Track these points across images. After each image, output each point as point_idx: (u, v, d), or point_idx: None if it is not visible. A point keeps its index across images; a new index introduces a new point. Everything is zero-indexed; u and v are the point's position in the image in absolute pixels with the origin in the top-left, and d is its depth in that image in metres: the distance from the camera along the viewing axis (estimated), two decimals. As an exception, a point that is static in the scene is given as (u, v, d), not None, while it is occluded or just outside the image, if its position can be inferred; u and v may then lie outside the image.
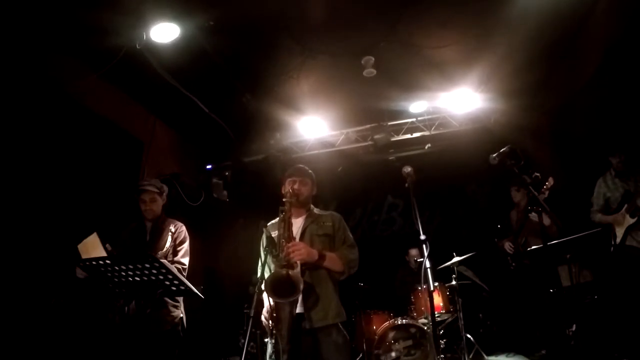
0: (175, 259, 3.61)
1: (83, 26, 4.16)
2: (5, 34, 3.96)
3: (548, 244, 3.99)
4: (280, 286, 2.52)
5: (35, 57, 4.25)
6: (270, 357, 2.63)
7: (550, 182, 4.46)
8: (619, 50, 4.64)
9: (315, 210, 3.11)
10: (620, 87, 4.75)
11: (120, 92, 5.46)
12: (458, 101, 6.48)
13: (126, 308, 3.06)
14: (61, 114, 4.51)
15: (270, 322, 2.66)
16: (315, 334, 2.69)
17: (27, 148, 4.13)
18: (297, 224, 2.97)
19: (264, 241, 2.86)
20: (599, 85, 5.10)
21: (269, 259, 2.73)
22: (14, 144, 4.01)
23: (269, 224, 3.03)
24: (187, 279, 2.86)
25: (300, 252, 2.66)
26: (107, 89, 5.20)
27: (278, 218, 2.91)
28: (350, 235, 3.05)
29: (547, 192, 4.42)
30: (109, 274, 2.71)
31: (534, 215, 4.94)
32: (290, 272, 2.56)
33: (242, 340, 5.40)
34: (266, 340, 2.72)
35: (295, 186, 3.01)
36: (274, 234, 2.86)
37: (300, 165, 3.20)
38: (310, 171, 3.17)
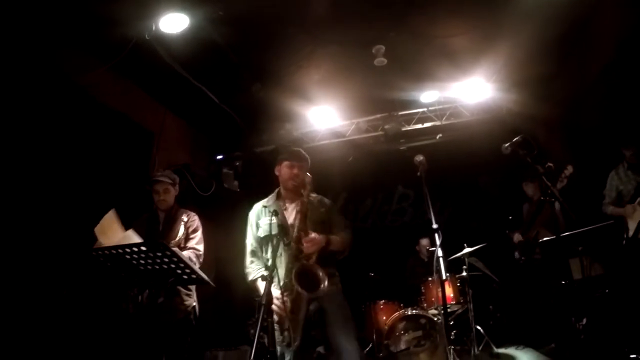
0: (191, 244, 3.64)
1: (92, 18, 4.17)
2: (16, 27, 3.98)
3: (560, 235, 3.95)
4: (305, 278, 2.60)
5: (45, 50, 4.27)
6: (281, 344, 2.66)
7: (569, 169, 4.19)
8: (632, 41, 4.56)
9: (312, 195, 3.06)
10: (633, 78, 4.66)
11: (130, 83, 5.48)
12: (470, 91, 6.42)
13: (140, 297, 3.09)
14: (72, 106, 4.53)
15: (283, 308, 2.67)
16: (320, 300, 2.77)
17: (39, 140, 4.16)
18: (292, 208, 3.00)
19: (272, 227, 2.79)
20: (612, 76, 5.01)
21: (281, 247, 2.77)
22: (27, 137, 4.05)
23: (264, 202, 3.13)
24: (200, 266, 2.88)
25: (315, 246, 2.74)
26: (117, 80, 5.22)
27: (275, 200, 3.08)
28: (342, 217, 3.18)
29: (565, 181, 4.16)
30: (121, 263, 2.73)
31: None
32: (320, 271, 2.67)
33: (252, 330, 5.43)
34: (276, 326, 2.73)
35: (295, 171, 3.01)
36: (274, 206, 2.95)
37: (296, 149, 3.17)
38: (306, 155, 3.13)
